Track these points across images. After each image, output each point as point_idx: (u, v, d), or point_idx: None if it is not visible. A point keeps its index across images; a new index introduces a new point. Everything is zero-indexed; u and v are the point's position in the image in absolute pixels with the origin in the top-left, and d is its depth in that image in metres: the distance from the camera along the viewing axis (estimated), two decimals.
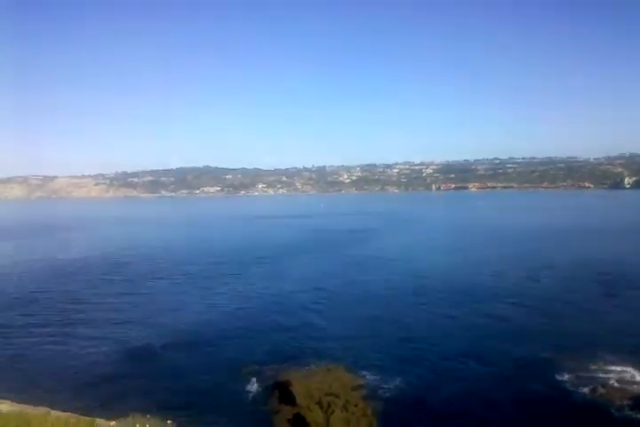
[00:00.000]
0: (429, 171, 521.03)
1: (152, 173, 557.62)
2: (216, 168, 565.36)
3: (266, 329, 44.16)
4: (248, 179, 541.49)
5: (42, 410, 14.22)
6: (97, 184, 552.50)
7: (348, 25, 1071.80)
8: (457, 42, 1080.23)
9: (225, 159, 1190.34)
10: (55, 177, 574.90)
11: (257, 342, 40.71)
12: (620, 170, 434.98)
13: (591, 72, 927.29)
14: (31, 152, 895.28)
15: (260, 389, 31.21)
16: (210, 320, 47.55)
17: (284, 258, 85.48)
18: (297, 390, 27.22)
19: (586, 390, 29.94)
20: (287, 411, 26.65)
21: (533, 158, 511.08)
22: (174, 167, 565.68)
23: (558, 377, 31.80)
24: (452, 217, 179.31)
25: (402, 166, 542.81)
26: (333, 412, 25.92)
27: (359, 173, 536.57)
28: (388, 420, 26.63)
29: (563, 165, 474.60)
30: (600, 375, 31.73)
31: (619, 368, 32.59)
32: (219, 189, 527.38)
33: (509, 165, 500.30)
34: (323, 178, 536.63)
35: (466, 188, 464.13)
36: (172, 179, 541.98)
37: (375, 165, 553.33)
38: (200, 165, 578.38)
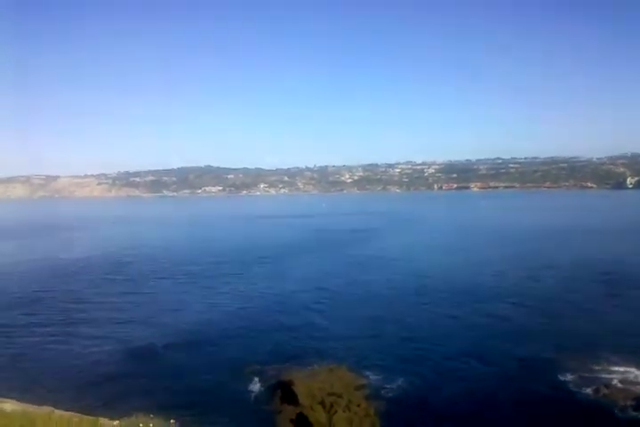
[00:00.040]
0: (431, 171, 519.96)
1: (154, 172, 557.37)
2: (218, 168, 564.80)
3: (268, 329, 44.20)
4: (250, 179, 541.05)
5: (45, 409, 14.22)
6: (99, 184, 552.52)
7: (347, 25, 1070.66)
8: (457, 42, 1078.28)
9: (227, 159, 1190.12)
10: (58, 177, 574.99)
11: (259, 341, 40.76)
12: (622, 170, 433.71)
13: (592, 72, 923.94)
14: (34, 152, 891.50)
15: (262, 388, 31.24)
16: (212, 320, 47.60)
17: (285, 258, 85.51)
18: (299, 389, 27.18)
19: (589, 390, 29.92)
20: (290, 411, 26.62)
21: (536, 158, 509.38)
22: (176, 167, 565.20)
23: (561, 377, 31.79)
24: (453, 217, 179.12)
25: (404, 166, 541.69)
26: (336, 412, 25.89)
27: (361, 173, 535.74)
28: (390, 420, 26.60)
29: (565, 164, 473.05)
30: (603, 376, 31.71)
31: (621, 368, 32.57)
32: (220, 188, 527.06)
33: (511, 165, 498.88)
34: (324, 178, 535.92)
35: (468, 187, 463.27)
36: (174, 178, 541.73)
37: (377, 165, 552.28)
38: (202, 164, 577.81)
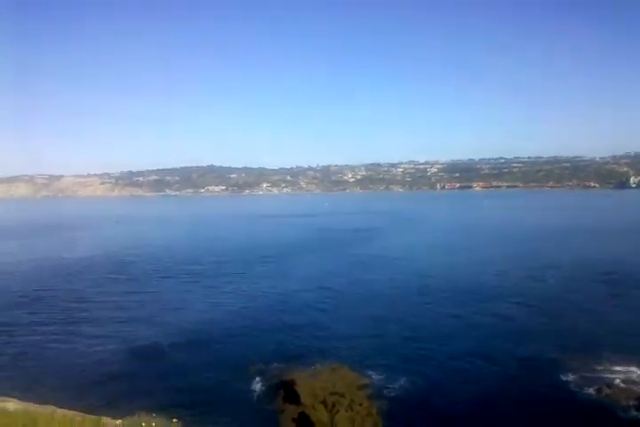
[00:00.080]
0: (434, 170, 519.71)
1: (157, 172, 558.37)
2: (220, 167, 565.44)
3: (271, 328, 44.24)
4: (252, 178, 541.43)
5: (48, 408, 14.27)
6: (102, 183, 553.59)
7: (347, 25, 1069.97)
8: (457, 42, 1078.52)
9: (229, 158, 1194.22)
10: (61, 176, 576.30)
11: (262, 340, 40.80)
12: (625, 169, 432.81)
13: (593, 72, 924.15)
14: (37, 152, 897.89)
15: (264, 388, 31.27)
16: (214, 319, 47.66)
17: (288, 257, 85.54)
18: (302, 389, 27.19)
19: (591, 390, 29.89)
20: (292, 410, 26.63)
21: (539, 158, 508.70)
22: (179, 166, 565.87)
23: (563, 377, 31.75)
24: (456, 216, 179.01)
25: (406, 166, 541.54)
26: (338, 411, 25.90)
27: (364, 173, 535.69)
28: (393, 419, 26.60)
29: (568, 164, 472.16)
30: (605, 376, 31.66)
31: (623, 368, 32.52)
32: (223, 188, 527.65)
33: (514, 165, 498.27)
34: (327, 177, 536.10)
35: (470, 187, 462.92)
36: (177, 178, 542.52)
37: (380, 165, 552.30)
38: (204, 164, 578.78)
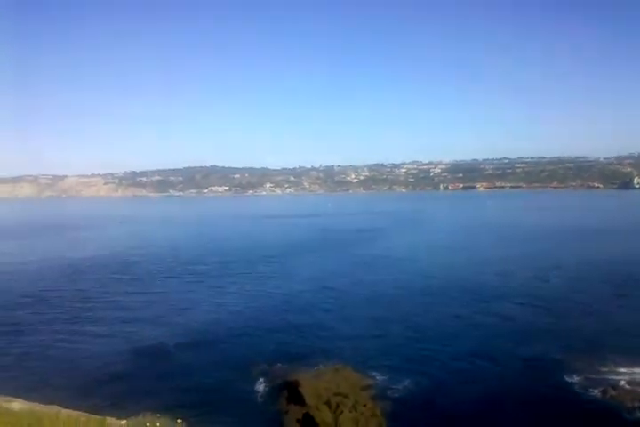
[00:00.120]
0: (437, 170, 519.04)
1: (160, 172, 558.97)
2: (224, 168, 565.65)
3: (274, 328, 44.25)
4: (256, 178, 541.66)
5: (53, 409, 14.24)
6: (106, 183, 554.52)
7: (347, 25, 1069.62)
8: (457, 42, 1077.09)
9: (232, 159, 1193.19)
10: (65, 176, 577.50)
11: (266, 341, 40.82)
12: (629, 170, 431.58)
13: (594, 72, 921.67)
14: (40, 152, 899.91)
15: (268, 388, 31.26)
16: (219, 319, 47.70)
17: (292, 257, 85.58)
18: (305, 389, 27.18)
19: (596, 391, 29.80)
20: (296, 411, 26.62)
21: (542, 158, 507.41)
22: (182, 167, 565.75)
23: (568, 378, 31.67)
24: (459, 217, 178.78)
25: (410, 166, 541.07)
26: (342, 412, 25.87)
27: (367, 173, 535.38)
28: (397, 420, 26.56)
29: (572, 164, 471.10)
30: (610, 377, 31.56)
31: (628, 370, 32.42)
32: (227, 188, 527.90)
33: (518, 165, 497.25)
34: (330, 178, 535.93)
35: (474, 187, 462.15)
36: (181, 178, 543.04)
37: (383, 165, 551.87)
38: (208, 164, 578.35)
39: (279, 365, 34.38)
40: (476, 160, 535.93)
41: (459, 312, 47.94)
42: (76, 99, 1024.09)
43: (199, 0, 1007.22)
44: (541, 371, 33.20)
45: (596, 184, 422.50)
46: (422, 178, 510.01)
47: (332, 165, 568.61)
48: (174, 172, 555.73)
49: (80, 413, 14.23)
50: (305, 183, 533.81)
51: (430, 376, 32.89)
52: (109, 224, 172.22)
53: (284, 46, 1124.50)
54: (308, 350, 38.06)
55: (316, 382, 27.87)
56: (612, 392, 29.33)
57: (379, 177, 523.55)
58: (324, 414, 25.65)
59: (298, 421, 25.94)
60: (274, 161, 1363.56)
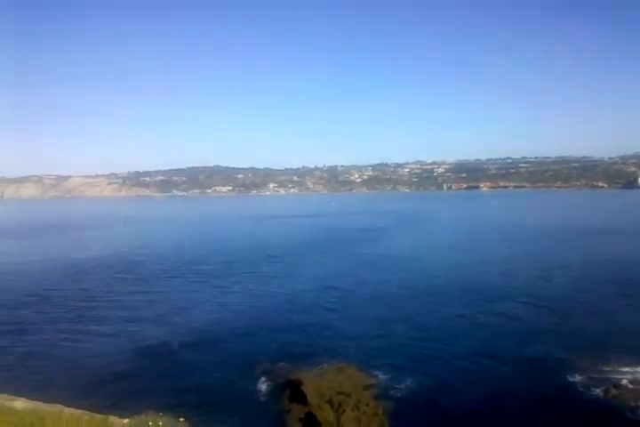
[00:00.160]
0: (441, 170, 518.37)
1: (164, 172, 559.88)
2: (227, 168, 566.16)
3: (277, 328, 44.30)
4: (259, 178, 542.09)
5: (56, 407, 14.31)
6: (110, 183, 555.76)
7: (347, 25, 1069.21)
8: (457, 42, 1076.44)
9: (236, 159, 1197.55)
10: (69, 177, 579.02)
11: (268, 340, 40.87)
12: (633, 169, 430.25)
13: (596, 72, 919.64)
14: (44, 152, 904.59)
15: (271, 387, 31.30)
16: (222, 318, 47.78)
17: (295, 257, 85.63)
18: (308, 388, 27.18)
19: (599, 391, 29.75)
20: (298, 410, 26.63)
21: (546, 158, 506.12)
22: (186, 167, 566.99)
23: (570, 378, 31.62)
24: (463, 216, 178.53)
25: (413, 166, 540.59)
26: (344, 411, 25.87)
27: (370, 173, 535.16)
28: (399, 419, 26.56)
29: (576, 164, 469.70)
30: (613, 376, 31.51)
31: (631, 369, 32.35)
32: (230, 188, 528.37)
33: (521, 165, 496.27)
34: (334, 177, 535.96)
35: (477, 187, 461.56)
36: (184, 178, 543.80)
37: (386, 165, 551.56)
38: (211, 164, 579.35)
39: (282, 364, 34.41)
40: (480, 160, 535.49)
41: (462, 312, 47.89)
42: (79, 99, 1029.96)
43: (199, 0, 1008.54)
44: (544, 370, 33.15)
45: (601, 184, 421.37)
46: (426, 178, 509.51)
47: (336, 165, 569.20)
48: (178, 172, 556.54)
49: (83, 412, 14.29)
50: (308, 183, 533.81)
51: (433, 376, 32.88)
52: (113, 224, 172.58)
53: (285, 46, 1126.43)
54: (311, 350, 38.10)
55: (318, 381, 27.88)
56: (615, 391, 29.28)
57: (382, 177, 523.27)
58: (326, 413, 25.66)
59: (300, 420, 25.96)
60: (277, 161, 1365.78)
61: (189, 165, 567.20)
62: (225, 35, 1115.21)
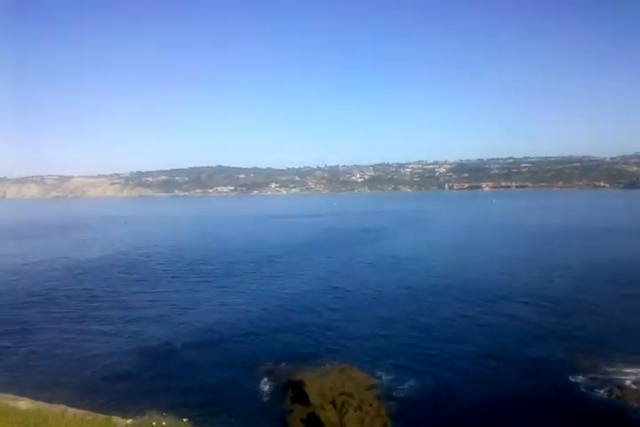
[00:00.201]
0: (442, 170, 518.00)
1: (166, 172, 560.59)
2: (229, 168, 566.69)
3: (279, 328, 44.31)
4: (261, 178, 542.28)
5: (59, 407, 14.32)
6: (112, 184, 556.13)
7: (348, 25, 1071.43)
8: (457, 42, 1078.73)
9: (238, 159, 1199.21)
10: (71, 177, 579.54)
11: (271, 340, 40.88)
12: (635, 169, 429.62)
13: (596, 72, 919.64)
14: (47, 152, 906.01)
15: (273, 388, 31.31)
16: (224, 319, 47.78)
17: (297, 257, 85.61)
18: (311, 389, 27.27)
19: (602, 391, 29.69)
20: (301, 410, 26.70)
21: (548, 157, 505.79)
22: (188, 167, 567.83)
23: (574, 378, 31.56)
24: (465, 216, 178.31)
25: (415, 166, 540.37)
26: (347, 411, 25.94)
27: (372, 173, 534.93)
28: (402, 420, 26.60)
29: (578, 164, 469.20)
30: (616, 377, 31.42)
31: (635, 370, 32.26)
32: (232, 188, 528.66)
33: (523, 165, 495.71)
34: (335, 177, 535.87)
35: (479, 187, 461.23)
36: (186, 178, 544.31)
37: (388, 165, 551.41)
38: (213, 164, 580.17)
39: (284, 364, 34.45)
40: (482, 160, 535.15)
41: (464, 312, 47.86)
42: (81, 99, 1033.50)
43: (199, 1, 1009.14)
44: (547, 371, 33.11)
45: (603, 184, 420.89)
46: (427, 178, 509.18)
47: (337, 165, 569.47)
48: (180, 172, 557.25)
49: (86, 412, 14.31)
50: (310, 183, 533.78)
51: (435, 376, 32.85)
52: (115, 224, 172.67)
53: (286, 46, 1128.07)
54: (314, 350, 38.11)
55: (321, 382, 27.96)
56: (618, 392, 29.23)
57: (384, 177, 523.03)
58: (329, 414, 25.72)
59: (303, 420, 26.02)
60: (279, 161, 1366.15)
61: (191, 165, 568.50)
62: (226, 35, 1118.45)
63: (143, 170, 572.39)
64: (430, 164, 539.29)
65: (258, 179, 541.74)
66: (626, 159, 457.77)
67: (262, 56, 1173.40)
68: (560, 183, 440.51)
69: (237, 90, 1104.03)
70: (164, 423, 12.72)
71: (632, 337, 38.57)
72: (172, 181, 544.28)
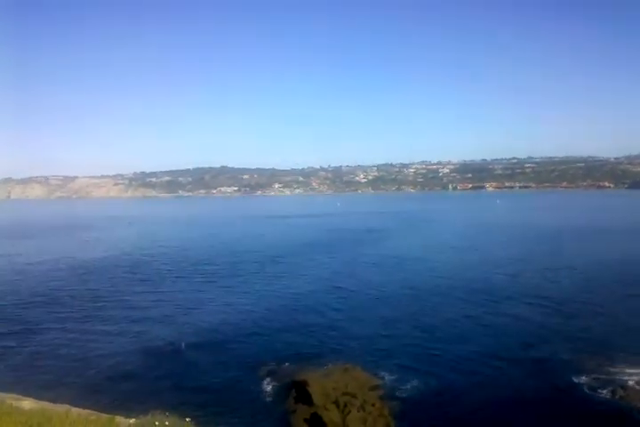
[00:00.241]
0: (446, 170, 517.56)
1: (170, 173, 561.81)
2: (233, 168, 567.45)
3: (283, 328, 44.33)
4: (264, 179, 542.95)
5: (63, 407, 14.37)
6: (116, 184, 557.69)
7: (348, 25, 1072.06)
8: (457, 42, 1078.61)
9: (242, 159, 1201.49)
10: (75, 177, 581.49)
11: (274, 340, 40.90)
12: (639, 169, 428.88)
13: (596, 72, 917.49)
14: (51, 153, 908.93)
15: (276, 388, 31.32)
16: (228, 319, 47.82)
17: (301, 257, 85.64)
18: (314, 389, 27.25)
19: (605, 392, 29.62)
20: (304, 410, 26.70)
21: (552, 158, 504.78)
22: (192, 167, 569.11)
23: (577, 379, 31.49)
24: (468, 217, 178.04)
25: (418, 166, 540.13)
26: (350, 412, 25.93)
27: (375, 173, 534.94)
28: (405, 420, 26.58)
29: (582, 164, 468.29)
30: (620, 377, 31.34)
31: (639, 370, 32.17)
32: (236, 188, 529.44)
33: (527, 165, 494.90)
34: (339, 178, 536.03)
35: (483, 187, 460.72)
36: (190, 179, 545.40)
37: (391, 165, 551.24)
38: (217, 165, 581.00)
39: (288, 364, 34.46)
40: (485, 160, 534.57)
41: (467, 312, 47.81)
42: (84, 100, 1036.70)
43: (199, 1, 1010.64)
44: (551, 371, 33.05)
45: (607, 184, 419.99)
46: (431, 178, 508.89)
47: (341, 166, 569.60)
48: (183, 172, 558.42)
49: (89, 411, 14.35)
50: (313, 183, 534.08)
51: (439, 376, 32.82)
52: (119, 225, 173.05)
53: (286, 46, 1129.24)
54: (317, 350, 38.12)
55: (324, 382, 27.94)
56: (622, 393, 29.14)
57: (387, 177, 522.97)
58: (332, 414, 25.71)
59: (306, 420, 26.02)
60: (282, 162, 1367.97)
61: (195, 166, 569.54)
62: (226, 35, 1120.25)
63: (147, 171, 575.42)
64: (434, 164, 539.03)
65: (261, 179, 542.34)
66: (630, 159, 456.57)
67: (262, 56, 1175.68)
68: (564, 184, 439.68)
69: (238, 90, 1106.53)
70: (166, 423, 12.75)
71: (636, 338, 38.45)
72: (175, 181, 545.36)
